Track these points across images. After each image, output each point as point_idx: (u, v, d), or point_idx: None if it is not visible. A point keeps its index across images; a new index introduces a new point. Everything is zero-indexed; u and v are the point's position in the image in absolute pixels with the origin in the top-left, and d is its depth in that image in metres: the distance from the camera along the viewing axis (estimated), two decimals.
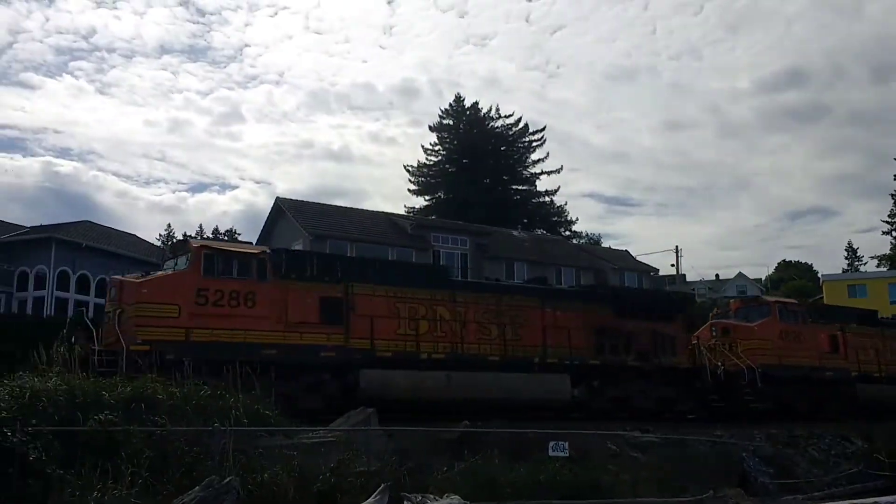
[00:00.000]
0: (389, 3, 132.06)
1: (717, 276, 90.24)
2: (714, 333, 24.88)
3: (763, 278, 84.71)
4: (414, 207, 66.55)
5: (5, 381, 10.72)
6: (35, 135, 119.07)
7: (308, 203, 40.91)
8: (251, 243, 32.02)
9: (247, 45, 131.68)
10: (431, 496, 10.68)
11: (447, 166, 67.92)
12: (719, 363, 23.17)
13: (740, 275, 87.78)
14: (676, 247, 52.78)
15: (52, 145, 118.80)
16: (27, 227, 38.93)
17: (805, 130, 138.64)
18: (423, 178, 68.69)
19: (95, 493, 8.84)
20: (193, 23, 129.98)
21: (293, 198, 42.24)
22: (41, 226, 38.56)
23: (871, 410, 24.45)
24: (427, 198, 68.06)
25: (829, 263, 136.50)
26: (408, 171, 69.43)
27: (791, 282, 68.86)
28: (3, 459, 8.60)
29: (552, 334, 20.40)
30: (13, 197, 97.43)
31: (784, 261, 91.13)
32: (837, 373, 25.54)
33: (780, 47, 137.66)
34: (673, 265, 52.66)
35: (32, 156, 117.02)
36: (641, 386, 21.49)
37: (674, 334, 22.90)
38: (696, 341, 24.07)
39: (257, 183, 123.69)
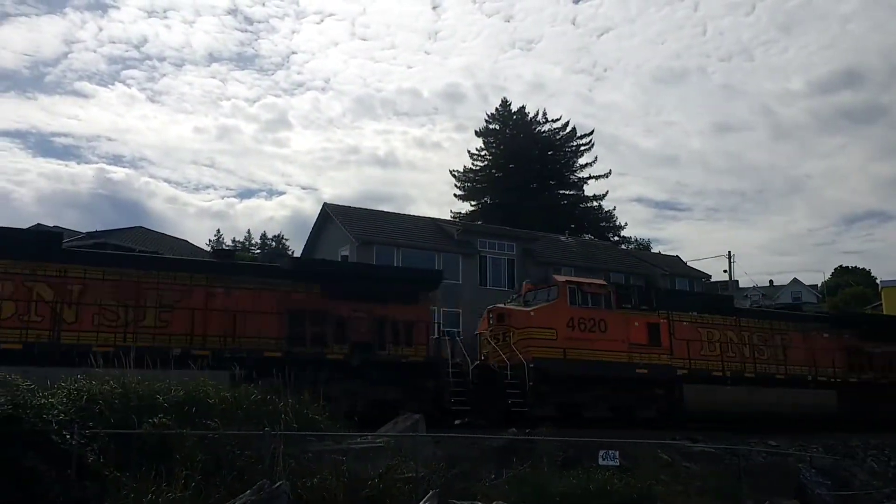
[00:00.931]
0: (435, 8, 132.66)
1: (770, 282, 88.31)
2: (490, 321, 20.95)
3: (819, 284, 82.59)
4: (460, 212, 66.57)
5: (63, 384, 10.95)
6: (89, 142, 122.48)
7: (355, 209, 41.20)
8: None
9: (293, 53, 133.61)
10: (480, 503, 10.61)
11: (494, 171, 67.77)
12: (482, 356, 20.37)
13: (795, 281, 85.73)
14: (729, 252, 51.69)
15: (105, 152, 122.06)
16: (83, 233, 39.97)
17: (861, 132, 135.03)
18: (470, 183, 68.64)
19: (150, 496, 8.97)
20: (241, 31, 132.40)
21: (340, 203, 42.60)
22: (96, 231, 39.55)
23: (699, 417, 20.63)
24: (473, 203, 68.01)
25: (888, 269, 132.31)
26: (454, 176, 69.53)
27: (848, 288, 66.97)
28: (62, 461, 8.78)
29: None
30: (69, 203, 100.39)
31: (840, 266, 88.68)
32: (655, 370, 20.79)
33: (835, 47, 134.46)
34: (725, 271, 51.59)
35: (87, 163, 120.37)
36: (350, 385, 17.40)
37: (413, 320, 18.96)
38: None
39: (304, 189, 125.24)
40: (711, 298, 29.63)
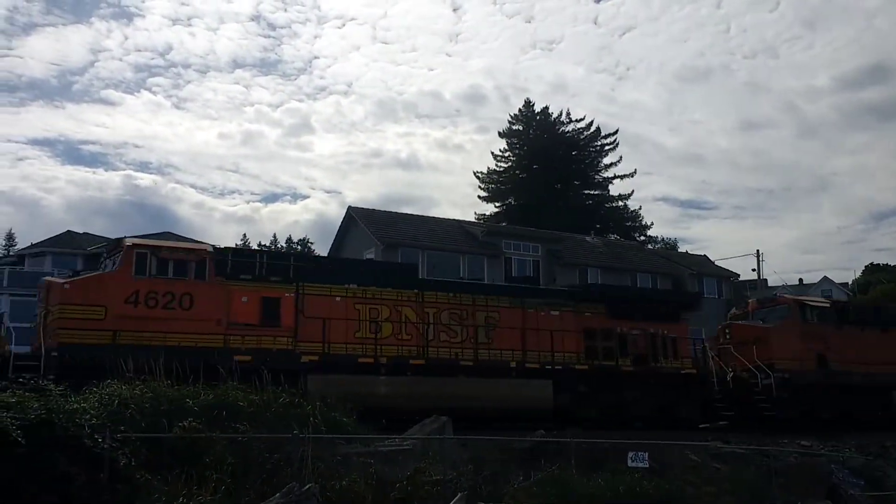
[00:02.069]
0: (455, 10, 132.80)
1: (800, 280, 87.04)
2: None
3: (850, 282, 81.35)
4: (484, 214, 66.52)
5: (95, 389, 11.10)
6: (116, 149, 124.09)
7: (379, 212, 41.32)
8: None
9: (316, 58, 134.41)
10: None
11: (517, 172, 67.65)
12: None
13: (825, 279, 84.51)
14: (757, 251, 51.04)
15: (132, 159, 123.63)
16: (112, 239, 40.49)
17: (888, 128, 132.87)
18: (494, 184, 68.56)
19: (181, 499, 9.05)
20: (264, 37, 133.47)
21: (364, 206, 42.77)
22: (125, 237, 40.03)
23: None
24: (497, 204, 67.92)
25: None
26: (478, 177, 69.50)
27: (880, 286, 65.89)
28: (94, 465, 8.88)
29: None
30: (97, 210, 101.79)
31: (872, 264, 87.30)
32: (266, 357, 16.15)
33: (860, 43, 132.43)
34: (754, 270, 50.99)
35: (114, 170, 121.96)
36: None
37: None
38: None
39: (328, 192, 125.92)
40: (388, 267, 24.22)
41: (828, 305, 25.29)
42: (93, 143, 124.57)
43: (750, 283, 52.51)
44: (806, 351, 23.02)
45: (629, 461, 13.43)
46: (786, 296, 26.46)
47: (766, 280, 54.21)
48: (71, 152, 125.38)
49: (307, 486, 9.09)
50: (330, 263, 20.73)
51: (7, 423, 8.19)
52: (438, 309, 19.10)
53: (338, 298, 17.97)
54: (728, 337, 24.01)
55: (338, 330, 17.51)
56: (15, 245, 70.56)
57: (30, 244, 43.62)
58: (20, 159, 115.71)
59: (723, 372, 21.99)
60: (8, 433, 8.09)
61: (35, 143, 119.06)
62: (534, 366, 19.35)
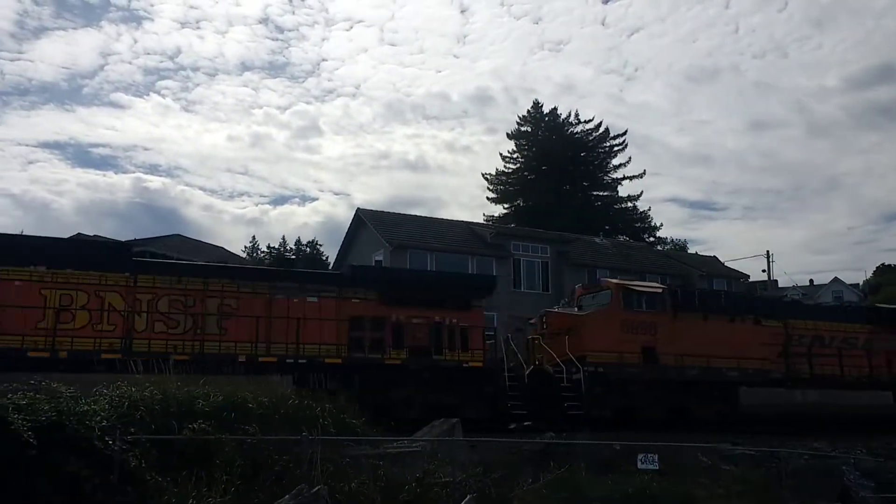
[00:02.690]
0: (463, 12, 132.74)
1: (811, 281, 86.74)
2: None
3: (861, 283, 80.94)
4: (493, 216, 66.48)
5: (105, 391, 11.16)
6: (126, 152, 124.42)
7: (388, 213, 41.38)
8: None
9: (324, 60, 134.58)
10: None
11: (526, 173, 67.60)
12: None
13: (836, 280, 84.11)
14: (767, 251, 50.91)
15: (141, 162, 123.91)
16: (123, 242, 40.66)
17: None
18: (502, 185, 68.53)
19: (191, 500, 9.09)
20: (273, 40, 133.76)
21: (373, 208, 42.83)
22: (135, 240, 40.19)
23: None
24: (506, 206, 67.87)
25: None
26: (486, 179, 69.47)
27: (891, 287, 65.52)
28: (104, 466, 8.93)
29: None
30: (107, 212, 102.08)
31: (883, 265, 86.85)
32: None
33: (870, 42, 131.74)
34: (764, 270, 50.84)
35: (124, 172, 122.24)
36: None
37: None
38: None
39: (336, 194, 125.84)
40: (93, 248, 20.38)
41: (659, 291, 22.41)
42: (103, 145, 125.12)
43: (760, 284, 52.36)
44: (628, 342, 20.53)
45: (639, 463, 13.39)
46: (609, 280, 23.28)
47: (776, 281, 54.07)
48: (81, 155, 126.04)
49: (317, 488, 9.11)
50: (11, 241, 17.37)
51: (19, 424, 8.24)
52: (156, 295, 16.89)
53: (17, 283, 15.86)
54: (545, 327, 21.68)
55: (14, 319, 15.48)
56: None
57: None
58: (31, 162, 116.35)
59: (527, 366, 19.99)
60: (19, 434, 8.15)
61: (45, 146, 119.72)
62: (270, 360, 17.25)
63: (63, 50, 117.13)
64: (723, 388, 21.38)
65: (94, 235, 42.84)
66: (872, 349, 24.12)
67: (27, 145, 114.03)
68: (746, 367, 21.91)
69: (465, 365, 19.08)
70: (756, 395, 21.51)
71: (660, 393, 20.63)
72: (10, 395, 9.00)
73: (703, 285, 44.06)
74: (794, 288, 67.71)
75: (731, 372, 21.68)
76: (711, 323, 21.94)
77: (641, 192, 67.59)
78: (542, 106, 69.15)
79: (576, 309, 22.09)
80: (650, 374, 20.39)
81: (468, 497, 9.96)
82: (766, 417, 20.30)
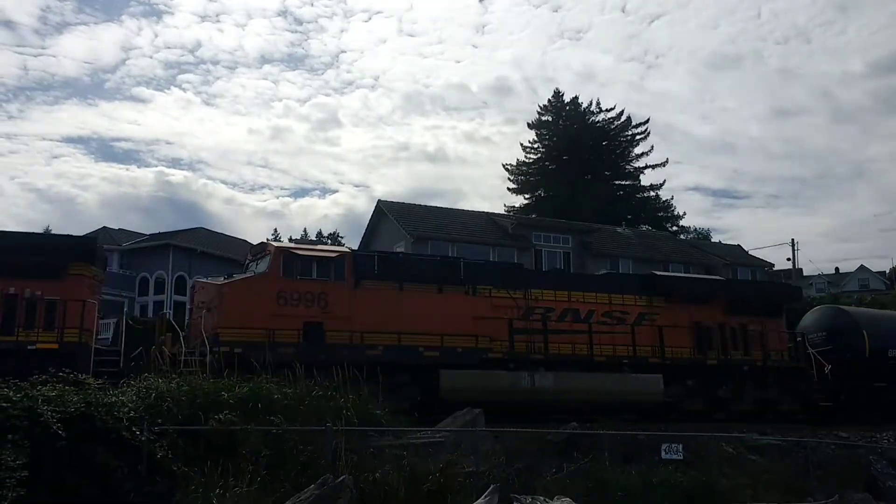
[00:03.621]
0: (482, 1, 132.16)
1: (836, 269, 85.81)
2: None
3: (888, 271, 79.91)
4: (514, 206, 66.27)
5: (132, 383, 11.29)
6: (148, 146, 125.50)
7: (409, 205, 41.39)
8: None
9: (343, 52, 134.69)
10: (541, 498, 10.58)
11: (547, 163, 67.28)
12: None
13: (862, 267, 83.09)
14: (792, 240, 50.33)
15: (164, 156, 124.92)
16: (146, 235, 41.12)
17: None
18: (523, 176, 68.27)
19: (218, 490, 9.18)
20: (292, 32, 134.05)
21: (394, 200, 42.88)
22: (159, 233, 40.66)
23: None
24: (527, 196, 67.61)
25: None
26: (507, 169, 69.23)
27: None
28: (133, 457, 9.05)
29: None
30: (130, 206, 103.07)
31: None
32: None
33: (895, 27, 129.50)
34: (789, 259, 50.28)
35: (146, 166, 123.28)
36: None
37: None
38: None
39: (356, 186, 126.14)
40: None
41: (334, 256, 18.46)
42: (125, 140, 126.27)
43: (785, 273, 51.83)
44: (284, 317, 16.95)
45: (663, 453, 13.36)
46: (272, 243, 19.52)
47: (801, 269, 53.48)
48: (104, 149, 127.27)
49: (341, 478, 9.17)
50: None
51: (48, 416, 8.37)
52: None
53: None
54: (194, 300, 18.48)
55: None
56: None
57: None
58: (55, 157, 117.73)
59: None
60: (49, 426, 8.27)
61: (69, 140, 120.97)
62: None
63: (85, 45, 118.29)
64: (418, 372, 17.46)
65: (119, 229, 43.37)
66: (644, 325, 20.59)
67: (51, 140, 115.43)
68: (454, 345, 18.04)
69: (30, 347, 16.14)
70: (462, 378, 17.58)
71: (327, 379, 14.85)
72: (39, 388, 9.13)
73: (726, 274, 43.72)
74: (818, 276, 67.00)
75: (431, 352, 17.57)
76: (409, 294, 18.35)
77: (664, 181, 67.09)
78: (562, 95, 68.75)
79: (224, 278, 18.54)
80: (311, 356, 15.93)
81: (491, 487, 9.97)
82: (476, 405, 15.45)
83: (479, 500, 9.76)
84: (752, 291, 25.79)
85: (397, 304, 18.04)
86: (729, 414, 20.04)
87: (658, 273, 24.80)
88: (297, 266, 17.55)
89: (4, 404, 8.38)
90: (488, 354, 18.19)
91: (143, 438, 9.23)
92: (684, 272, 41.99)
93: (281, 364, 14.90)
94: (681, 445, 13.55)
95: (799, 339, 22.87)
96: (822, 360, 22.31)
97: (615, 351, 19.93)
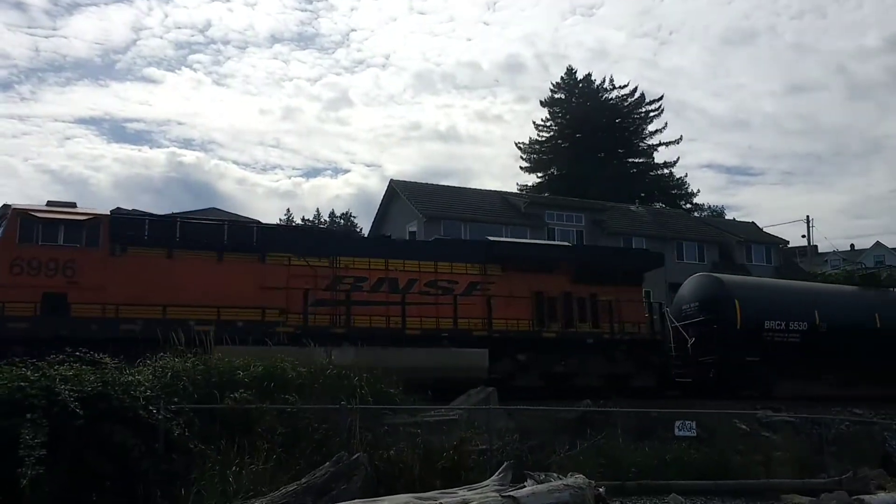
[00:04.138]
0: None
1: (852, 245, 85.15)
2: None
3: None
4: (527, 185, 66.14)
5: (149, 362, 11.39)
6: (160, 127, 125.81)
7: (421, 184, 41.37)
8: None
9: (353, 30, 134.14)
10: (555, 475, 10.61)
11: (560, 141, 67.00)
12: None
13: (878, 244, 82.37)
14: (807, 216, 50.01)
15: (176, 136, 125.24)
16: (160, 216, 41.22)
17: None
18: (535, 154, 68.06)
19: (234, 468, 9.27)
20: (301, 10, 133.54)
21: (406, 179, 42.83)
22: (172, 214, 40.71)
23: None
24: (540, 175, 67.44)
25: None
26: (519, 148, 69.05)
27: None
28: (149, 435, 9.14)
29: None
30: (143, 187, 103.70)
31: None
32: None
33: None
34: (804, 236, 49.96)
35: (158, 147, 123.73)
36: None
37: None
38: None
39: (368, 166, 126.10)
40: None
41: (84, 218, 16.53)
42: (137, 120, 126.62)
43: (800, 250, 51.52)
44: (21, 287, 15.05)
45: (676, 430, 13.38)
46: (13, 205, 16.56)
47: (816, 246, 53.14)
48: (116, 130, 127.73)
49: (356, 455, 9.23)
50: None
51: (65, 395, 8.46)
52: None
53: None
54: None
55: None
56: None
57: None
58: (67, 138, 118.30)
59: None
60: (66, 405, 8.36)
61: (82, 121, 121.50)
62: None
63: (96, 25, 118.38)
64: (189, 348, 14.71)
65: (133, 210, 43.57)
66: (474, 296, 19.09)
67: (64, 121, 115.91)
68: (234, 319, 16.24)
69: None
70: (240, 355, 13.87)
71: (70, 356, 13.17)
72: (56, 367, 9.22)
73: (740, 252, 43.48)
74: (834, 253, 66.53)
75: (203, 326, 14.85)
76: (182, 262, 16.68)
77: (678, 159, 66.81)
78: (575, 72, 68.37)
79: None
80: (50, 331, 14.34)
81: (505, 464, 10.01)
82: None
83: (493, 477, 9.80)
84: (605, 259, 23.25)
85: (167, 274, 16.34)
86: (570, 390, 17.89)
87: (494, 239, 22.85)
88: (37, 230, 15.73)
89: (23, 384, 8.47)
90: (278, 329, 15.82)
91: (159, 417, 9.31)
92: (698, 250, 41.88)
93: (12, 340, 13.59)
94: (694, 423, 13.56)
95: (665, 310, 21.78)
96: (685, 334, 21.10)
97: (438, 324, 18.40)
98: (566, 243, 29.01)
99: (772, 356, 21.67)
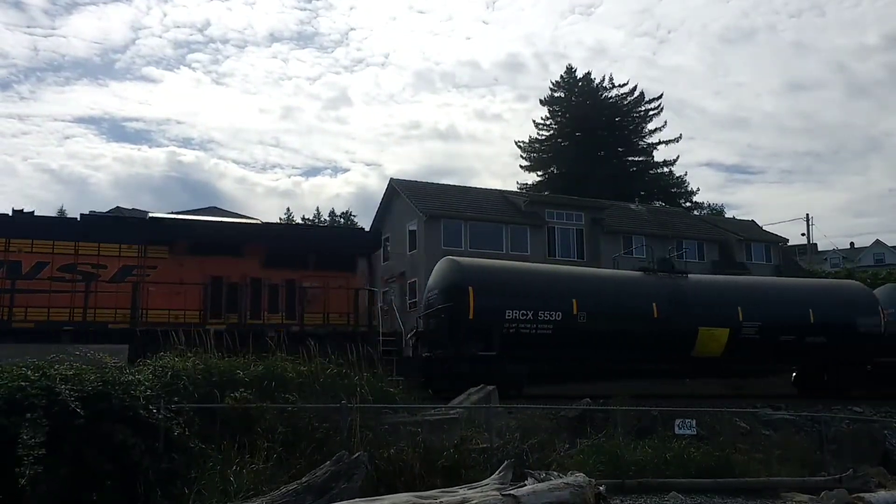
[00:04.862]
0: None
1: (851, 244, 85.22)
2: None
3: None
4: (527, 184, 66.10)
5: (149, 362, 11.39)
6: (159, 126, 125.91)
7: (421, 183, 41.33)
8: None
9: (352, 29, 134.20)
10: (555, 473, 10.61)
11: (560, 140, 66.97)
12: None
13: (877, 242, 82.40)
14: (807, 215, 50.05)
15: (175, 136, 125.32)
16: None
17: None
18: (535, 153, 68.02)
19: (234, 467, 9.28)
20: (301, 9, 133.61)
21: (405, 178, 42.79)
22: (172, 213, 40.73)
23: None
24: (540, 173, 67.41)
25: None
26: (519, 146, 69.00)
27: None
28: (150, 435, 9.13)
29: None
30: (143, 186, 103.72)
31: None
32: None
33: None
34: (803, 234, 50.00)
35: (158, 146, 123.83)
36: None
37: None
38: None
39: (368, 165, 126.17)
40: None
41: None
42: (136, 120, 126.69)
43: (799, 248, 51.52)
44: None
45: (676, 428, 13.38)
46: None
47: (815, 244, 53.16)
48: (116, 130, 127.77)
49: (357, 454, 9.22)
50: None
51: (66, 394, 8.46)
52: None
53: None
54: None
55: None
56: None
57: None
58: (67, 137, 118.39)
59: None
60: (67, 404, 8.36)
61: (81, 121, 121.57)
62: None
63: (95, 25, 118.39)
64: None
65: (132, 209, 43.54)
66: (126, 282, 16.67)
67: (63, 121, 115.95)
68: None
69: None
70: None
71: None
72: (56, 366, 9.22)
73: (740, 250, 43.49)
74: (833, 251, 66.53)
75: None
76: None
77: (677, 157, 66.75)
78: (575, 71, 68.32)
79: None
80: None
81: (506, 462, 10.01)
82: None
83: (494, 476, 9.80)
84: (306, 240, 20.09)
85: None
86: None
87: (157, 215, 19.78)
88: None
89: (23, 383, 8.47)
90: None
91: (159, 416, 9.31)
92: (698, 248, 41.86)
93: None
94: (694, 421, 13.57)
95: (390, 299, 19.61)
96: (422, 326, 19.41)
97: (73, 315, 15.94)
98: (256, 220, 25.39)
99: (513, 350, 18.93)
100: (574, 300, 19.88)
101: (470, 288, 18.93)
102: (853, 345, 22.90)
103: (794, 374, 24.87)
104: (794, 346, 22.47)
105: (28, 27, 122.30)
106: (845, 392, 21.87)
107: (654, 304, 21.01)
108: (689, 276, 23.23)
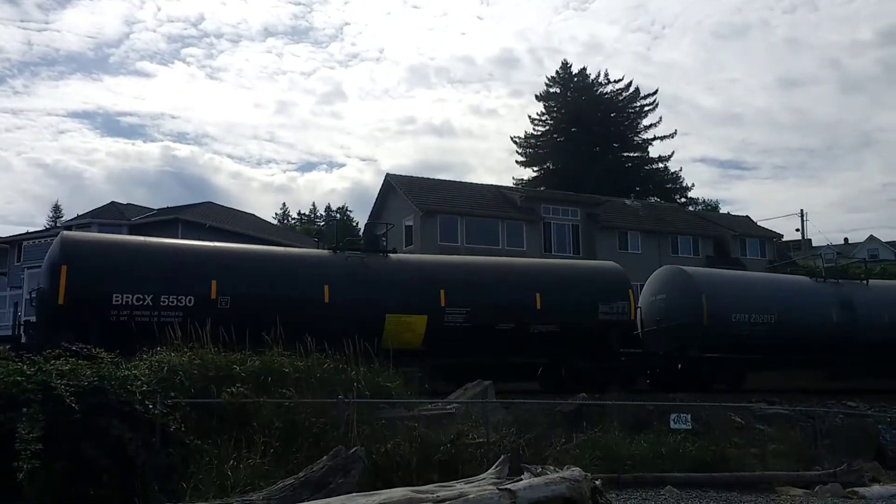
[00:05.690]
0: None
1: (845, 239, 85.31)
2: None
3: None
4: (522, 179, 66.13)
5: (145, 357, 11.37)
6: (153, 121, 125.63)
7: (417, 178, 41.33)
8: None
9: (347, 24, 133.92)
10: (551, 467, 10.63)
11: (555, 136, 67.01)
12: None
13: (871, 237, 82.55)
14: (801, 210, 50.10)
15: (169, 130, 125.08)
16: (155, 209, 41.20)
17: None
18: (531, 148, 68.05)
19: (231, 462, 9.28)
20: (295, 4, 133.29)
21: (401, 174, 42.79)
22: (167, 208, 40.70)
23: None
24: (535, 169, 67.46)
25: None
26: (515, 142, 69.04)
27: None
28: (146, 430, 9.13)
29: None
30: (137, 181, 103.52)
31: None
32: None
33: None
34: (798, 230, 50.09)
35: (152, 141, 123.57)
36: None
37: None
38: None
39: (363, 160, 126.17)
40: None
41: None
42: (130, 114, 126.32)
43: (794, 244, 51.63)
44: None
45: (672, 423, 13.44)
46: None
47: (810, 240, 53.23)
48: (110, 124, 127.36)
49: (354, 449, 9.22)
50: None
51: (62, 389, 8.45)
52: None
53: None
54: None
55: None
56: (61, 217, 72.39)
57: (75, 216, 44.55)
58: (61, 132, 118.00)
59: None
60: (63, 399, 8.35)
61: (75, 115, 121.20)
62: None
63: (89, 19, 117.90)
64: None
65: (127, 204, 43.42)
66: None
67: (57, 115, 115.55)
68: None
69: None
70: None
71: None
72: (53, 361, 9.21)
73: (735, 246, 43.59)
74: (828, 247, 66.68)
75: None
76: None
77: (672, 153, 66.87)
78: (570, 67, 68.36)
79: None
80: None
81: (502, 457, 10.03)
82: None
83: (490, 470, 9.82)
84: None
85: None
86: None
87: None
88: None
89: (19, 378, 8.47)
90: None
91: (155, 412, 9.30)
92: (693, 244, 41.96)
93: None
94: (689, 415, 13.62)
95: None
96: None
97: None
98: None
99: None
100: (214, 281, 16.13)
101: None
102: (592, 334, 19.25)
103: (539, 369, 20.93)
104: (515, 335, 18.60)
105: (22, 21, 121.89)
106: (606, 389, 18.04)
107: (325, 287, 17.00)
108: (391, 255, 19.01)
